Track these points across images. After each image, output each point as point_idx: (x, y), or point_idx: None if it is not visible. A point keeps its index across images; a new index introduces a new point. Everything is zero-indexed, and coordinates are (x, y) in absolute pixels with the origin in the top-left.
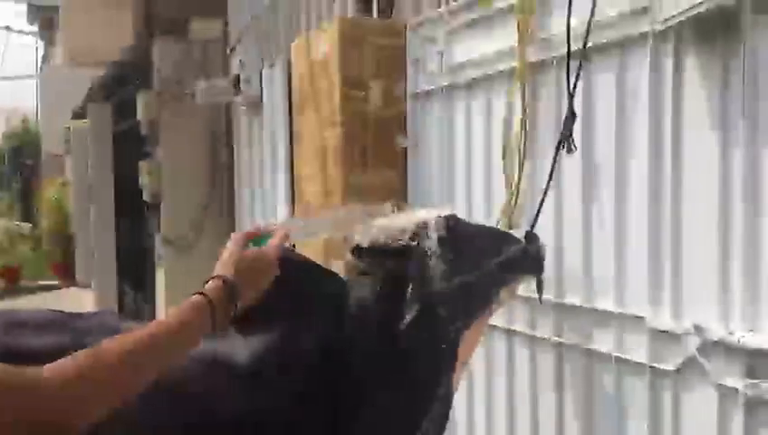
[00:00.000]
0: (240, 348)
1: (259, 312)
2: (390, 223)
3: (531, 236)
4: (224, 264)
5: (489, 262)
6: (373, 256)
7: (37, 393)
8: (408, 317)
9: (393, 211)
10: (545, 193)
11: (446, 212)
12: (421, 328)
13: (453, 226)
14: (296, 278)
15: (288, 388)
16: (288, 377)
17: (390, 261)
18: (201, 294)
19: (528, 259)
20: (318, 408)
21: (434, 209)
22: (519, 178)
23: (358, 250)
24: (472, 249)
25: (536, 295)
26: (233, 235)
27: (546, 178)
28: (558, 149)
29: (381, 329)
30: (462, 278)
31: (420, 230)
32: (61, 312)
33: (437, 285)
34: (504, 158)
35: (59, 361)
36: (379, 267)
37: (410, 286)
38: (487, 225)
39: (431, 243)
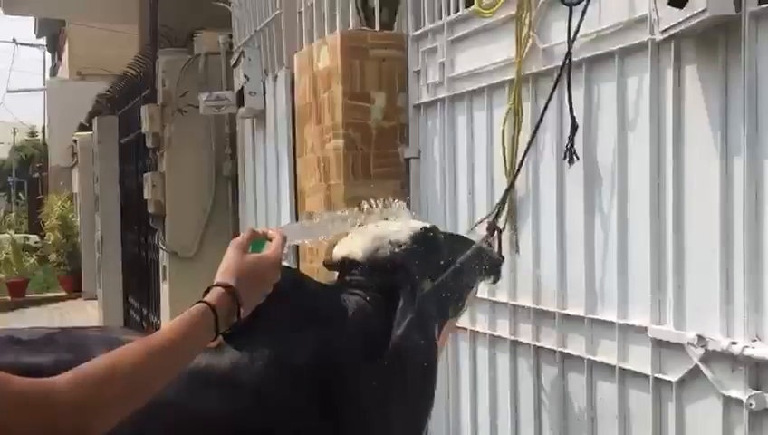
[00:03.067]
0: (238, 364)
1: (257, 327)
2: (376, 234)
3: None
4: (225, 271)
5: (458, 267)
6: (364, 268)
7: (54, 404)
8: (403, 325)
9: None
10: (505, 194)
11: (426, 224)
12: (416, 335)
13: (433, 236)
14: (293, 293)
15: (289, 404)
16: (288, 393)
17: (381, 272)
18: (204, 302)
19: (488, 262)
20: (319, 423)
21: (415, 221)
22: (511, 185)
23: (348, 264)
24: (445, 257)
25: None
26: (233, 241)
27: (546, 185)
28: (530, 142)
29: (380, 341)
30: (439, 284)
31: (407, 241)
32: (61, 328)
33: (425, 292)
34: (505, 166)
35: (73, 369)
36: (371, 279)
37: (402, 296)
38: (456, 233)
39: (417, 253)
